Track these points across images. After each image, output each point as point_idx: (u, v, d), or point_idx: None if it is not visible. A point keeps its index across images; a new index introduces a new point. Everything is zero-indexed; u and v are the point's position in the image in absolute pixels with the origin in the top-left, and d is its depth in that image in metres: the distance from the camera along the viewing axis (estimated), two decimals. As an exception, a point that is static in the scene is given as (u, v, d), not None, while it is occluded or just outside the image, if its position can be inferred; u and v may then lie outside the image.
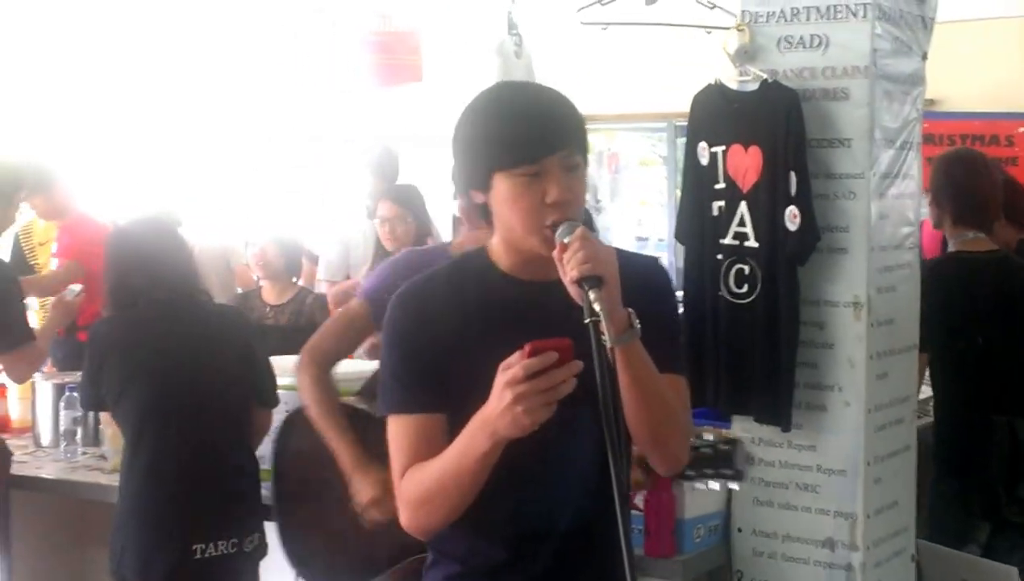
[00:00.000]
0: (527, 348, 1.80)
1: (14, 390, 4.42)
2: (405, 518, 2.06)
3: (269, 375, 3.59)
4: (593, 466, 1.96)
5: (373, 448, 2.95)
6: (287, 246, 5.30)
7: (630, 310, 1.93)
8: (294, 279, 5.44)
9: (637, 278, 2.06)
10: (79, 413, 4.23)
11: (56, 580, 4.46)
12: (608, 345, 1.84)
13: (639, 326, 1.93)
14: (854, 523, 3.17)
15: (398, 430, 2.07)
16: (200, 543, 3.36)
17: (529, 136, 1.97)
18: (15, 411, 4.54)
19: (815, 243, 3.13)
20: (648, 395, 1.98)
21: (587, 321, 1.86)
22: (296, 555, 3.20)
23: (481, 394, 1.91)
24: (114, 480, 3.66)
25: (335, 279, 5.64)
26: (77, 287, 4.42)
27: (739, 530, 3.36)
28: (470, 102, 2.08)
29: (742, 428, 3.31)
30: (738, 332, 3.25)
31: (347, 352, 3.36)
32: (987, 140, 7.09)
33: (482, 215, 2.09)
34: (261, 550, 3.52)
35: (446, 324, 2.04)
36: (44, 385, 4.40)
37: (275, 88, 7.95)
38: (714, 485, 2.83)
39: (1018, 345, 4.05)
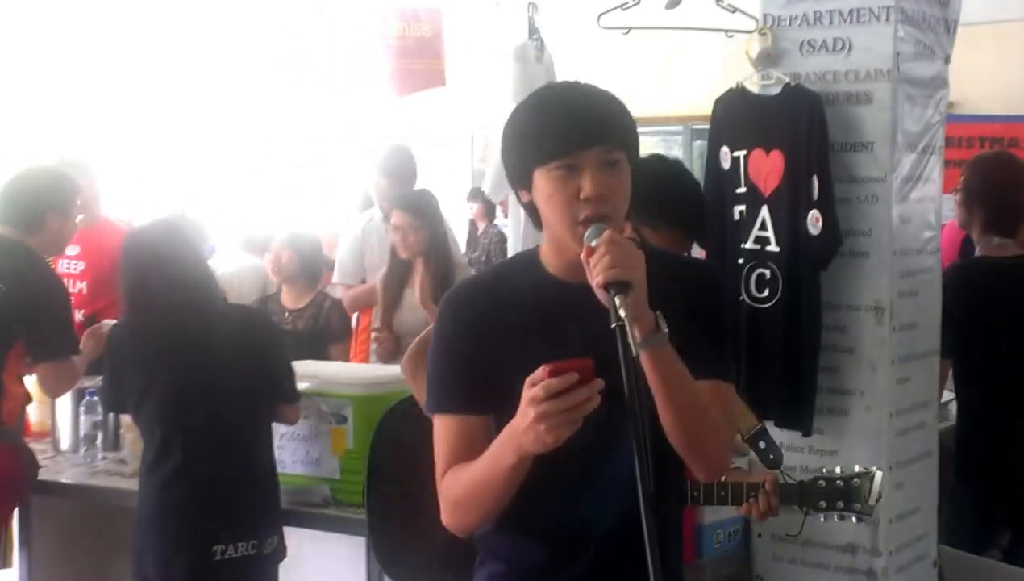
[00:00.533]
0: (547, 369, 1.80)
1: (34, 396, 4.39)
2: (445, 516, 2.07)
3: (288, 372, 3.59)
4: (632, 469, 1.90)
5: None
6: (301, 250, 5.25)
7: (657, 312, 1.91)
8: (319, 283, 5.40)
9: (683, 280, 2.07)
10: (99, 418, 4.22)
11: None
12: (635, 352, 1.82)
13: (666, 330, 1.91)
14: (876, 528, 3.13)
15: (442, 429, 2.08)
16: (220, 545, 3.35)
17: (562, 131, 1.96)
18: (35, 416, 4.51)
19: (837, 247, 3.09)
20: (679, 399, 1.96)
21: (614, 326, 1.84)
22: (383, 550, 3.23)
23: (520, 394, 1.89)
24: (135, 484, 3.63)
25: (349, 282, 5.59)
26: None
27: (759, 535, 3.32)
28: (516, 107, 2.08)
29: (763, 433, 3.27)
30: (759, 336, 3.22)
31: None
32: (1006, 143, 7.03)
33: (532, 215, 2.09)
34: (280, 552, 3.51)
35: (492, 326, 2.05)
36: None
37: (276, 89, 7.93)
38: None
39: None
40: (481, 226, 10.68)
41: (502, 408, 1.98)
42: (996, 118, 6.75)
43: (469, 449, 2.03)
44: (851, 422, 3.15)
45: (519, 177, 2.04)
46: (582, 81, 2.09)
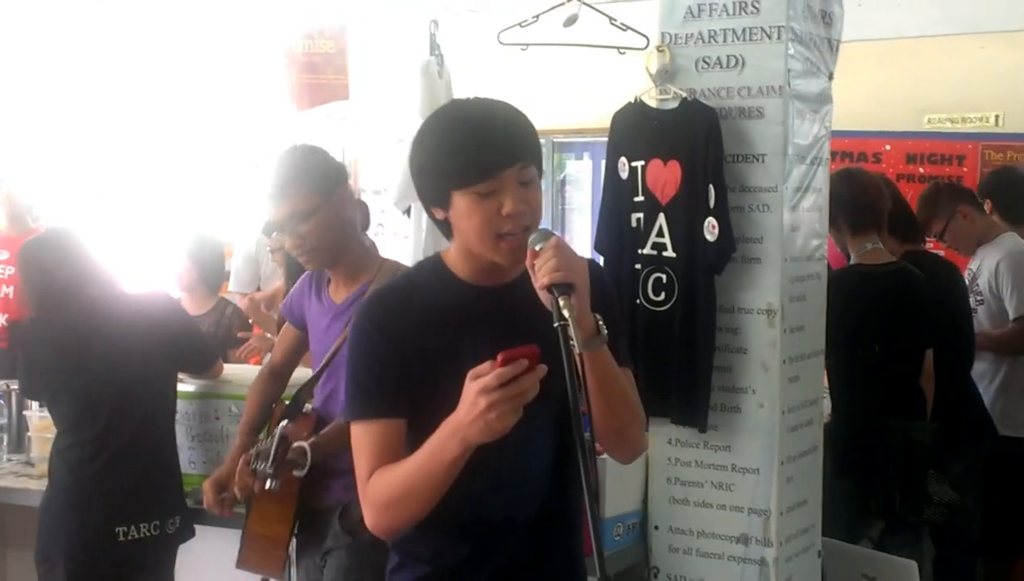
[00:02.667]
0: (500, 358, 1.78)
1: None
2: (371, 519, 2.00)
3: (196, 344, 3.65)
4: (550, 463, 1.95)
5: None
6: (200, 259, 5.06)
7: (597, 315, 1.90)
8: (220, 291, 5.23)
9: (598, 283, 2.04)
10: (3, 420, 4.07)
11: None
12: (577, 350, 1.80)
13: (606, 332, 1.90)
14: (767, 519, 3.12)
15: (362, 435, 2.01)
16: (123, 525, 3.33)
17: (479, 156, 1.93)
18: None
19: (731, 253, 3.08)
20: (614, 395, 1.97)
21: (556, 325, 1.82)
22: None
23: (443, 398, 1.88)
24: (43, 485, 3.52)
25: (245, 291, 5.44)
26: None
27: (656, 528, 3.29)
28: (419, 131, 2.03)
29: (659, 429, 3.24)
30: (656, 338, 3.18)
31: (293, 363, 3.32)
32: (856, 156, 7.20)
33: (444, 229, 2.05)
34: (185, 532, 3.48)
35: (408, 331, 1.99)
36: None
37: (182, 100, 7.75)
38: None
39: (912, 353, 4.07)
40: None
41: (420, 410, 1.97)
42: (845, 134, 6.89)
43: (391, 453, 1.98)
44: (744, 419, 3.14)
45: (434, 197, 2.00)
46: (486, 97, 2.05)
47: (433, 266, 2.10)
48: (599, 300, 1.99)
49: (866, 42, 6.48)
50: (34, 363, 3.44)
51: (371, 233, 7.99)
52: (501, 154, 1.94)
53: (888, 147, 7.32)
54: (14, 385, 4.30)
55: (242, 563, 3.08)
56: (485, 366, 1.79)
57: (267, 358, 4.19)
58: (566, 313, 1.82)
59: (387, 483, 1.96)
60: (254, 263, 5.45)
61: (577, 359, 1.82)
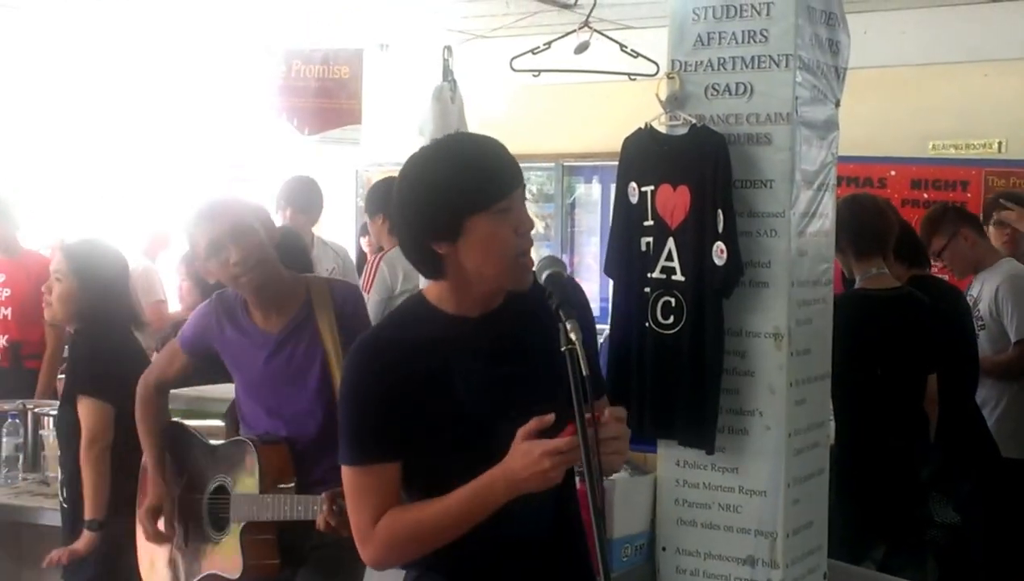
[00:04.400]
0: (571, 426, 1.87)
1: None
2: (377, 556, 2.06)
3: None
4: (563, 482, 1.96)
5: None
6: (199, 279, 5.07)
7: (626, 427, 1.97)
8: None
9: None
10: (20, 440, 4.07)
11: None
12: (584, 372, 1.84)
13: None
14: (774, 541, 3.10)
15: (361, 480, 2.05)
16: None
17: (499, 174, 1.98)
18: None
19: (739, 277, 3.07)
20: None
21: (564, 349, 1.87)
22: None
23: (436, 431, 1.97)
24: (57, 504, 3.49)
25: None
26: None
27: (663, 549, 3.28)
28: (420, 162, 2.02)
29: (667, 451, 3.23)
30: (664, 360, 3.18)
31: (175, 383, 3.34)
32: (861, 181, 7.21)
33: (434, 266, 2.03)
34: None
35: (402, 375, 2.00)
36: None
37: (195, 120, 7.79)
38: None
39: (915, 377, 4.06)
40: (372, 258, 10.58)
41: (414, 445, 2.01)
42: (850, 159, 6.90)
43: (392, 495, 2.04)
44: (751, 441, 3.13)
45: (445, 226, 1.98)
46: (492, 123, 2.13)
47: (418, 305, 2.11)
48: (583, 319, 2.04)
49: (871, 69, 6.51)
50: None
51: (371, 255, 8.00)
52: (514, 170, 2.01)
53: (893, 173, 7.32)
54: (30, 405, 4.32)
55: (248, 571, 3.03)
56: (534, 425, 1.87)
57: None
58: (573, 336, 1.85)
59: (411, 522, 2.01)
60: None
61: (586, 383, 1.85)
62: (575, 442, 1.86)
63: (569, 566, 2.14)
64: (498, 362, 1.99)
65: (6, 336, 5.54)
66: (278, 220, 5.41)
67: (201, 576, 3.14)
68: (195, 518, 3.17)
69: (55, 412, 4.09)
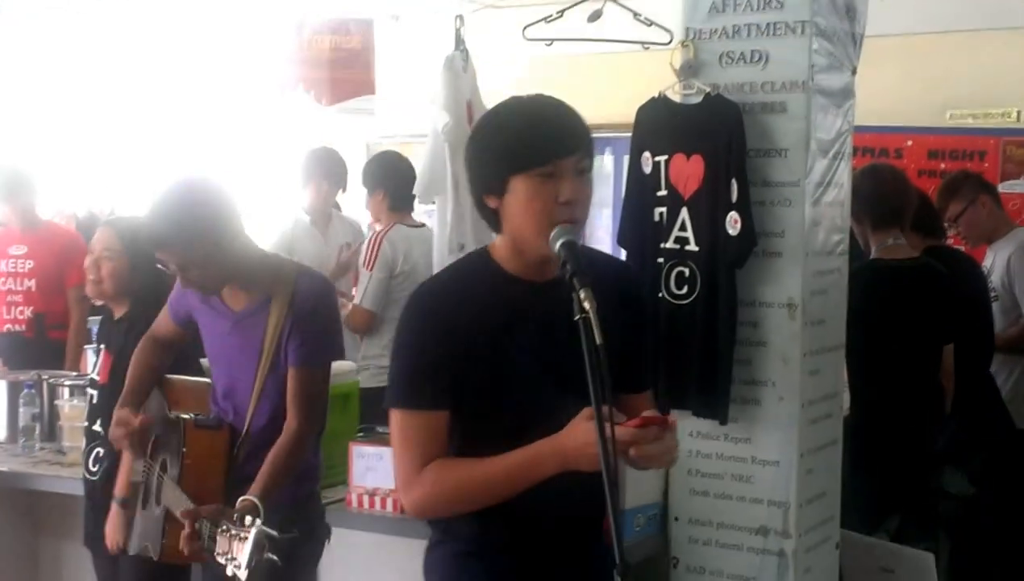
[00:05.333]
0: (639, 419, 1.89)
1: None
2: (417, 503, 2.08)
3: None
4: None
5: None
6: None
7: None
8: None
9: (620, 288, 2.14)
10: (37, 410, 4.10)
11: (13, 567, 4.23)
12: (598, 341, 1.83)
13: None
14: (787, 511, 3.10)
15: (408, 425, 2.06)
16: None
17: (544, 140, 1.99)
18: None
19: (753, 247, 3.05)
20: None
21: (577, 318, 1.86)
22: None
23: (487, 389, 1.99)
24: (75, 473, 3.52)
25: None
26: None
27: (676, 519, 3.28)
28: (487, 116, 2.11)
29: (680, 421, 3.22)
30: (678, 331, 3.17)
31: (171, 340, 3.20)
32: (878, 152, 7.15)
33: (491, 220, 2.09)
34: None
35: (457, 325, 2.03)
36: (0, 383, 4.26)
37: (208, 95, 7.76)
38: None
39: (931, 348, 4.03)
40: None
41: (465, 401, 2.03)
42: (867, 129, 6.84)
43: (438, 444, 2.05)
44: (764, 411, 3.12)
45: (491, 182, 2.03)
46: (503, 93, 2.14)
47: (480, 259, 2.13)
48: (635, 311, 2.13)
49: (888, 37, 6.44)
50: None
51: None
52: (564, 139, 2.00)
53: (910, 142, 7.26)
54: (47, 375, 4.34)
55: (166, 555, 2.88)
56: (604, 409, 1.85)
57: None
58: (587, 305, 1.84)
59: (458, 479, 2.03)
60: (286, 251, 5.46)
61: (600, 351, 1.83)
62: (640, 436, 1.87)
63: (591, 540, 2.16)
64: (551, 331, 2.00)
65: (31, 307, 5.59)
66: (304, 193, 5.42)
67: (140, 547, 3.02)
68: (149, 484, 3.04)
69: (70, 383, 4.12)
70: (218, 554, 2.44)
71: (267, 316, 2.88)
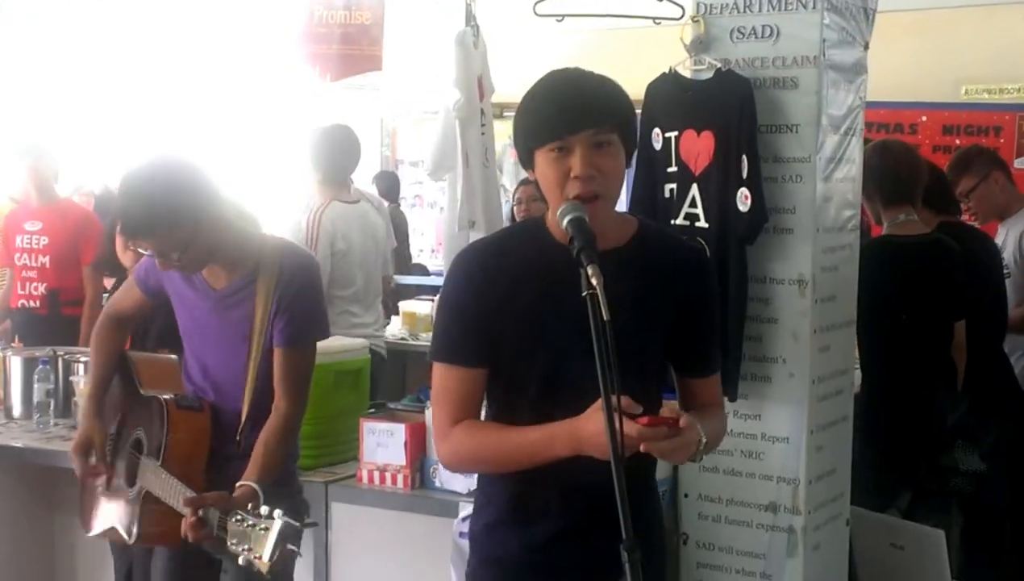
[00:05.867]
0: (648, 419, 1.92)
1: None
2: (447, 457, 2.18)
3: None
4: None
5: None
6: None
7: (700, 435, 2.01)
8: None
9: (685, 269, 2.18)
10: (51, 386, 4.13)
11: (29, 543, 4.26)
12: (606, 316, 1.85)
13: (705, 441, 2.04)
14: (796, 488, 3.10)
15: (446, 379, 2.14)
16: None
17: (555, 115, 2.03)
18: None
19: (763, 223, 3.05)
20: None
21: (584, 294, 1.88)
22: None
23: (523, 352, 2.06)
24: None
25: None
26: None
27: (686, 495, 3.28)
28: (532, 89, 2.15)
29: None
30: (687, 307, 3.16)
31: (131, 317, 3.23)
32: (892, 128, 7.12)
33: (537, 189, 2.16)
34: None
35: (499, 284, 2.09)
36: (15, 359, 4.29)
37: (216, 72, 7.76)
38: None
39: (942, 324, 4.03)
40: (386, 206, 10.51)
41: (501, 362, 2.10)
42: (881, 104, 6.80)
43: (473, 400, 2.13)
44: (774, 388, 3.12)
45: (525, 157, 2.11)
46: (514, 69, 2.13)
47: (533, 225, 2.18)
48: (707, 296, 2.21)
49: (903, 12, 6.41)
50: None
51: (408, 204, 7.96)
52: (575, 116, 2.02)
53: (924, 118, 7.24)
54: (61, 351, 4.37)
55: (143, 539, 2.87)
56: (627, 402, 1.88)
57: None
58: (594, 281, 1.86)
59: (481, 443, 2.11)
60: (302, 234, 5.47)
61: (607, 327, 1.84)
62: (648, 435, 1.90)
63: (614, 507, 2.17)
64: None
65: (44, 283, 5.63)
66: (314, 172, 5.39)
67: (105, 529, 3.02)
68: (116, 465, 3.05)
69: (85, 359, 4.13)
70: (232, 544, 2.39)
71: (253, 296, 2.82)
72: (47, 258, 5.62)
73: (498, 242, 2.21)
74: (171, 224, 2.70)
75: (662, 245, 2.20)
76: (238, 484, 2.66)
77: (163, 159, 2.81)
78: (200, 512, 2.51)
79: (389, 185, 8.68)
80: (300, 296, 2.83)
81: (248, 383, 2.83)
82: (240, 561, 2.36)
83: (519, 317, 2.07)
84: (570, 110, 2.03)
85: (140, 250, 2.87)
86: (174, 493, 2.69)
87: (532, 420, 2.06)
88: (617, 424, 1.83)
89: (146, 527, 2.83)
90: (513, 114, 2.14)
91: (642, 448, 1.92)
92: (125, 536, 2.91)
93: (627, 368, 1.86)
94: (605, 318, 1.83)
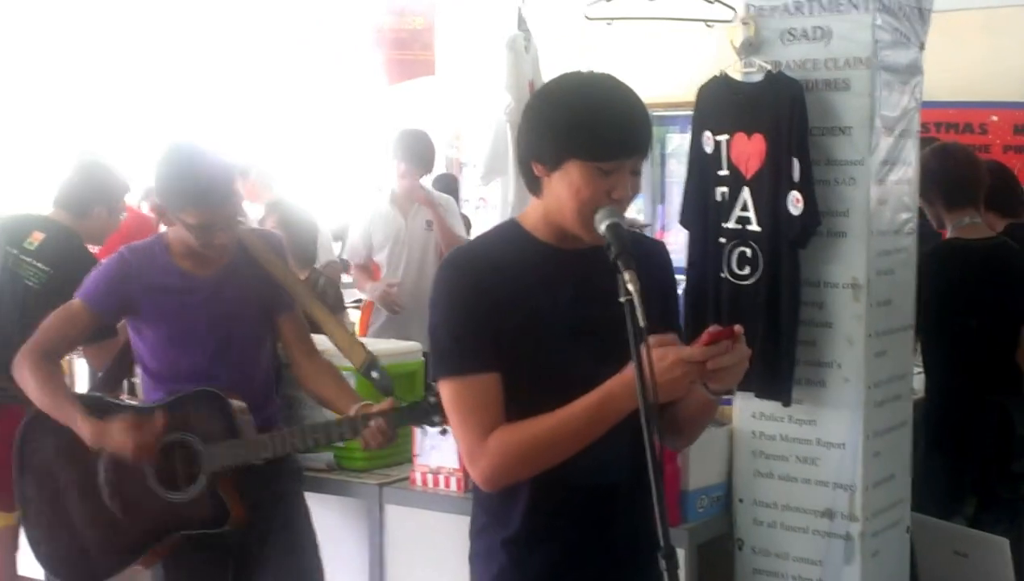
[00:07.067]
0: (706, 335, 1.90)
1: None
2: (492, 474, 2.04)
3: None
4: (636, 430, 1.92)
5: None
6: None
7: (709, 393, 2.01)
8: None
9: (660, 264, 2.20)
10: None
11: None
12: (642, 324, 1.83)
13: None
14: (853, 494, 3.09)
15: (462, 392, 2.04)
16: None
17: (612, 136, 1.98)
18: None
19: (816, 227, 3.04)
20: (701, 422, 2.17)
21: (622, 300, 1.86)
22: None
23: (523, 354, 2.01)
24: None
25: (357, 261, 5.60)
26: None
27: (740, 501, 3.28)
28: (550, 83, 2.10)
29: (743, 403, 3.23)
30: (740, 312, 3.16)
31: (68, 349, 3.32)
32: (961, 128, 7.02)
33: (532, 182, 2.10)
34: None
35: (492, 287, 2.03)
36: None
37: (270, 78, 7.87)
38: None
39: (1009, 327, 3.98)
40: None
41: (505, 367, 2.02)
42: (950, 104, 6.71)
43: (495, 407, 2.03)
44: (828, 393, 3.11)
45: (548, 154, 2.02)
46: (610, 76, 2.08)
47: (511, 228, 2.13)
48: (671, 289, 2.17)
49: (971, 11, 6.32)
50: None
51: (473, 207, 8.06)
52: (632, 139, 2.00)
53: (995, 118, 7.12)
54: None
55: (233, 523, 3.02)
56: (669, 337, 1.91)
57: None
58: (631, 287, 1.85)
59: (529, 438, 1.99)
60: (367, 234, 5.58)
61: (643, 333, 1.84)
62: (713, 352, 1.88)
63: (640, 518, 2.09)
64: (581, 302, 2.02)
65: None
66: (392, 173, 5.53)
67: (166, 537, 3.06)
68: (133, 478, 3.02)
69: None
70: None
71: (253, 270, 3.09)
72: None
73: (480, 246, 2.15)
74: (228, 194, 2.98)
75: (635, 238, 2.17)
76: (364, 406, 3.00)
77: (198, 138, 3.10)
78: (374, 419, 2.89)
79: (448, 187, 8.78)
80: (287, 263, 3.21)
81: (263, 352, 3.14)
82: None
83: (514, 318, 2.01)
84: (629, 135, 2.00)
85: (186, 221, 2.95)
86: (315, 435, 2.99)
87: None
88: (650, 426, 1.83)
89: (234, 510, 3.01)
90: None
91: (709, 366, 1.89)
92: (210, 528, 2.99)
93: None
94: (642, 324, 1.83)
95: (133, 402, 3.21)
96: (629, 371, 1.89)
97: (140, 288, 3.04)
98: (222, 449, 2.97)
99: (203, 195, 2.91)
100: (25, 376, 3.04)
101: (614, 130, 1.98)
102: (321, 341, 3.32)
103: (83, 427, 2.97)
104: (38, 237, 3.98)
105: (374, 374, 3.13)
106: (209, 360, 3.06)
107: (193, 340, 3.06)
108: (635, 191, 2.02)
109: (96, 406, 3.07)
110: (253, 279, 3.11)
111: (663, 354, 1.88)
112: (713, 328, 1.92)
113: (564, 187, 2.01)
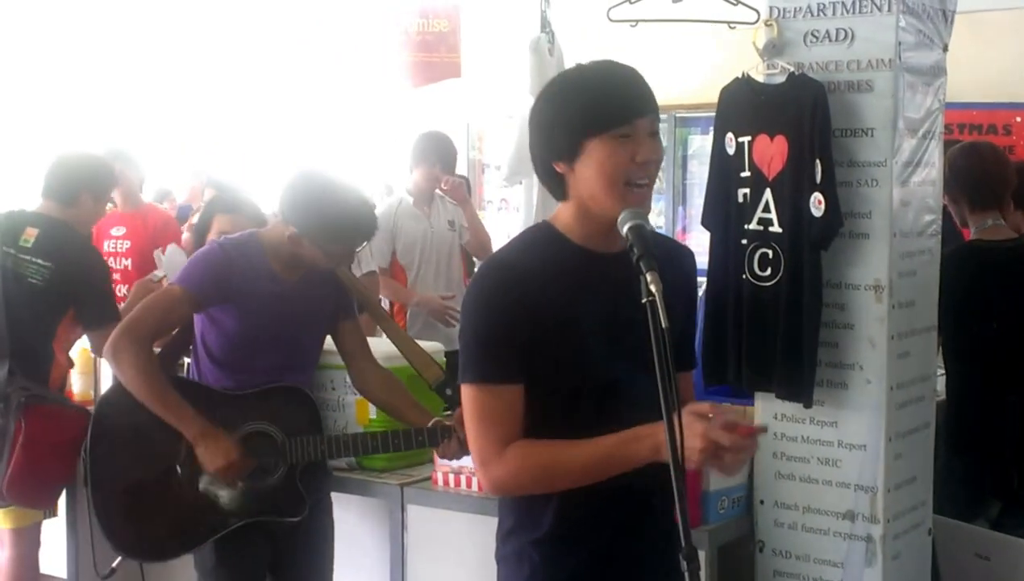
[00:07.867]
0: (742, 429, 1.96)
1: (76, 365, 4.38)
2: (503, 482, 2.10)
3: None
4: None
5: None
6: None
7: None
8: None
9: (685, 269, 2.21)
10: None
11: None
12: (664, 324, 1.85)
13: None
14: (874, 496, 3.10)
15: (483, 399, 2.08)
16: None
17: (622, 100, 2.02)
18: (77, 385, 4.52)
19: (838, 228, 3.05)
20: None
21: (644, 301, 1.88)
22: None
23: (556, 359, 2.02)
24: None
25: (381, 264, 5.62)
26: (159, 273, 4.36)
27: (761, 502, 3.29)
28: (550, 83, 2.14)
29: (765, 404, 3.24)
30: (761, 313, 3.18)
31: (165, 335, 3.37)
32: (985, 129, 6.99)
33: (556, 187, 2.12)
34: None
35: (525, 294, 2.05)
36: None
37: (294, 80, 7.91)
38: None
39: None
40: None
41: (536, 374, 2.05)
42: (975, 105, 6.68)
43: (519, 418, 2.06)
44: (850, 395, 3.12)
45: (565, 147, 2.05)
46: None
47: (543, 231, 2.14)
48: (691, 298, 2.21)
49: (996, 11, 6.29)
50: None
51: (495, 209, 8.06)
52: (641, 99, 2.04)
53: (1019, 118, 7.09)
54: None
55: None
56: (707, 407, 1.94)
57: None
58: (653, 288, 1.87)
59: (545, 461, 2.05)
60: (389, 236, 5.61)
61: (665, 334, 1.85)
62: (740, 444, 1.92)
63: (666, 520, 2.12)
64: (617, 304, 2.03)
65: (127, 286, 5.80)
66: (412, 174, 5.57)
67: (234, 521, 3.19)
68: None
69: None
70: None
71: (329, 277, 3.28)
72: (129, 261, 5.80)
73: (515, 251, 2.14)
74: (372, 233, 3.33)
75: (663, 244, 2.20)
76: (438, 420, 3.21)
77: (342, 174, 3.38)
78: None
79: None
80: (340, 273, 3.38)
81: (317, 355, 3.39)
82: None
83: (549, 325, 2.03)
84: (635, 96, 2.04)
85: (327, 250, 3.16)
86: (398, 440, 3.19)
87: (569, 426, 2.04)
88: (678, 433, 1.85)
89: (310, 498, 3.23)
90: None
91: (728, 459, 1.94)
92: (291, 517, 3.20)
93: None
94: (664, 325, 1.85)
95: (227, 390, 3.26)
96: (660, 427, 1.91)
97: (239, 282, 3.16)
98: (305, 443, 3.19)
99: (354, 236, 3.20)
100: (124, 361, 3.08)
101: (619, 93, 2.03)
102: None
103: (192, 426, 3.09)
104: (32, 233, 3.99)
105: (448, 391, 3.25)
106: (283, 358, 3.23)
107: (272, 338, 3.21)
108: (658, 154, 2.05)
109: (195, 394, 3.19)
110: (328, 286, 3.30)
111: (691, 422, 1.90)
112: (744, 427, 1.96)
113: (590, 170, 2.03)
